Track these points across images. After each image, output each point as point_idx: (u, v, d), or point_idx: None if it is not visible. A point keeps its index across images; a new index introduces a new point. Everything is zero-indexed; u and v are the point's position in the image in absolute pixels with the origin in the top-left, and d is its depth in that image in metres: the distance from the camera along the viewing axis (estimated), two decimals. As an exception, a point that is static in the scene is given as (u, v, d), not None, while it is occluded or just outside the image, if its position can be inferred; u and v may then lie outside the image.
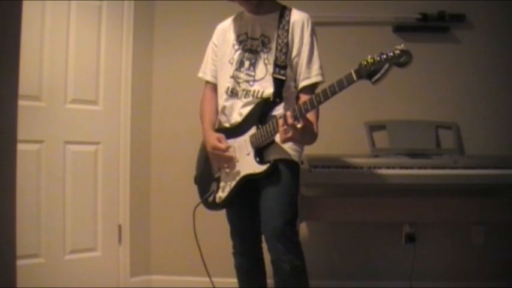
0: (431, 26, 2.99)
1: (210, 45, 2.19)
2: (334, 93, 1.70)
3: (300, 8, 2.05)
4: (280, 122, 1.78)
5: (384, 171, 2.61)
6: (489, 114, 3.00)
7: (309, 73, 1.98)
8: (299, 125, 1.75)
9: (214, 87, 2.17)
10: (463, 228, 2.98)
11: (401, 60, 1.61)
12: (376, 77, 1.64)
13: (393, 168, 2.63)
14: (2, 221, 1.29)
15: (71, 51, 2.88)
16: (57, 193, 2.82)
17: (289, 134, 1.76)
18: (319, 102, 1.74)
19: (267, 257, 2.03)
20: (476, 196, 2.81)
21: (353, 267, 3.02)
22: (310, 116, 1.84)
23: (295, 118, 1.75)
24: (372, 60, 1.64)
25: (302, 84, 1.98)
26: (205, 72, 2.19)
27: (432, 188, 2.74)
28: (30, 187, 2.71)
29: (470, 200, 2.77)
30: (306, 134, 1.82)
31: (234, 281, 2.21)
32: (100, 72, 3.00)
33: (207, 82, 2.19)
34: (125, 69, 3.07)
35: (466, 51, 3.02)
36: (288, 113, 1.77)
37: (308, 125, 1.79)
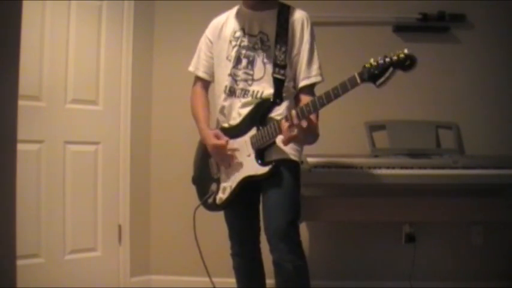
0: (431, 26, 2.99)
1: (204, 40, 2.12)
2: (337, 96, 1.70)
3: (299, 8, 2.03)
4: (283, 122, 1.78)
5: (383, 171, 2.60)
6: (489, 114, 3.00)
7: (308, 73, 1.96)
8: (304, 124, 1.73)
9: (205, 84, 2.13)
10: (462, 228, 2.98)
11: (406, 65, 1.62)
12: (381, 80, 1.65)
13: (393, 168, 2.63)
14: (2, 221, 1.29)
15: (71, 51, 2.88)
16: (57, 193, 2.82)
17: (294, 133, 1.75)
18: (322, 105, 1.74)
19: (266, 258, 2.03)
20: (476, 196, 2.80)
21: (353, 267, 3.02)
22: (312, 116, 1.81)
23: (299, 118, 1.74)
24: (375, 64, 1.65)
25: (302, 84, 1.97)
26: (198, 68, 2.12)
27: (432, 188, 2.74)
28: (30, 187, 2.71)
29: (470, 200, 2.76)
30: (309, 134, 1.81)
31: (232, 281, 2.20)
32: (100, 72, 3.00)
33: (198, 78, 2.14)
34: (125, 69, 3.07)
35: (466, 51, 3.02)
36: (293, 112, 1.76)
37: (311, 125, 1.78)
